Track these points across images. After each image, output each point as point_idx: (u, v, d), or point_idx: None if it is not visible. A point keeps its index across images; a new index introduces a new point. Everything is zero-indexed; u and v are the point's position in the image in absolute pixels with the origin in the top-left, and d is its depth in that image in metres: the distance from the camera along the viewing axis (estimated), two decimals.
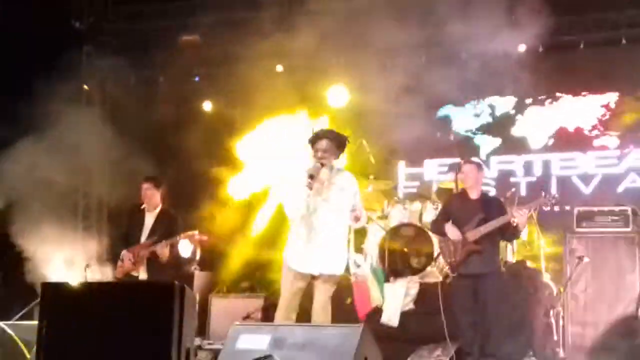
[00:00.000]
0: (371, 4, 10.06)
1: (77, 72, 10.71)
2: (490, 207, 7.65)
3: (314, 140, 6.66)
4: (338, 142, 6.67)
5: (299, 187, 6.49)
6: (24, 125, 9.31)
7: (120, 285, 6.99)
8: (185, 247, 8.98)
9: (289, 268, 6.67)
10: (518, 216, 7.40)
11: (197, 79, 12.04)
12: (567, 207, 9.13)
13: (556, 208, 7.63)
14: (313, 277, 6.63)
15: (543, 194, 7.70)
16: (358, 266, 9.32)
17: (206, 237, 8.17)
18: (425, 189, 10.51)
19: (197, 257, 10.02)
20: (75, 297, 4.91)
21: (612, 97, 10.46)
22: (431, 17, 9.61)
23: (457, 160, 9.20)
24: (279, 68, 11.27)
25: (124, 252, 7.98)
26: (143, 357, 4.61)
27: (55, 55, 9.89)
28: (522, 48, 10.25)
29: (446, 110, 11.18)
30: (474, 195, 7.73)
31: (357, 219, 6.55)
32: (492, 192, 9.93)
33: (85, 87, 11.17)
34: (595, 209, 8.52)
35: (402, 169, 11.31)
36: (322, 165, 6.54)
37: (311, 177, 6.41)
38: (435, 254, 8.79)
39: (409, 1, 9.90)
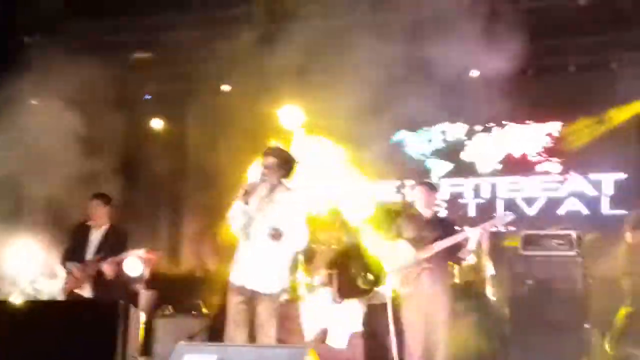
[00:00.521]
0: (325, 26, 10.11)
1: (25, 87, 10.57)
2: (442, 227, 7.70)
3: (262, 156, 6.70)
4: (283, 160, 6.68)
5: (237, 201, 6.54)
6: None
7: (64, 303, 6.90)
8: (134, 266, 8.89)
9: (230, 282, 6.67)
10: (472, 235, 7.44)
11: (148, 97, 11.99)
12: (514, 228, 9.28)
13: (502, 229, 7.75)
14: (254, 294, 6.60)
15: (495, 214, 7.81)
16: (307, 287, 9.31)
17: (153, 255, 8.11)
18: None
19: (146, 275, 9.92)
20: (19, 315, 4.85)
21: (555, 126, 11.01)
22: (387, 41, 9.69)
23: (409, 182, 9.37)
24: (226, 88, 11.29)
25: (69, 265, 7.86)
26: None
27: (2, 69, 9.75)
28: (475, 73, 10.45)
29: (400, 135, 11.47)
30: (426, 215, 7.79)
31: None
32: (443, 213, 10.15)
33: (33, 102, 11.01)
34: (541, 232, 8.67)
35: None
36: (263, 181, 6.57)
37: (245, 191, 6.45)
38: (383, 276, 8.81)
39: (363, 24, 9.97)
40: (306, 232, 6.70)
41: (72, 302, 7.23)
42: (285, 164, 6.70)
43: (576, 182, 10.81)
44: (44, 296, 8.15)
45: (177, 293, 10.56)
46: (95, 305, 5.75)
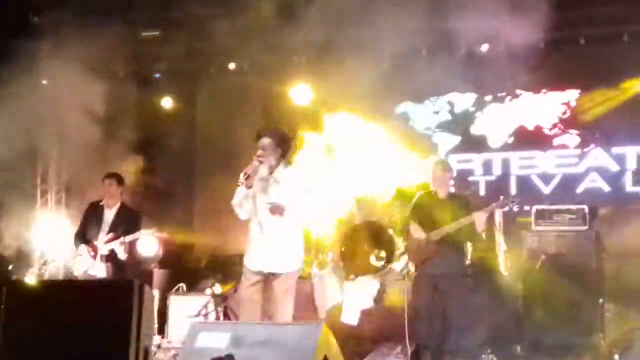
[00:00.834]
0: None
1: (35, 66, 10.57)
2: (457, 206, 7.70)
3: (256, 139, 6.66)
4: (279, 140, 6.66)
5: (240, 187, 6.53)
6: None
7: (79, 283, 6.93)
8: (149, 245, 8.92)
9: (245, 266, 6.70)
10: (478, 218, 7.44)
11: (158, 75, 11.96)
12: (527, 207, 9.19)
13: (515, 207, 7.63)
14: (270, 274, 6.62)
15: (502, 197, 7.75)
16: (319, 264, 9.34)
17: (166, 234, 8.14)
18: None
19: (160, 254, 9.96)
20: (34, 296, 4.87)
21: (572, 95, 10.45)
22: (392, 14, 9.62)
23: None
24: (232, 66, 11.21)
25: (82, 247, 7.90)
26: (101, 355, 4.58)
27: (13, 49, 9.75)
28: (484, 48, 10.28)
29: (404, 107, 11.16)
30: (441, 195, 7.78)
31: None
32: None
33: (44, 82, 11.02)
34: (553, 207, 8.61)
35: None
36: (260, 162, 6.53)
37: (246, 176, 6.43)
38: (396, 253, 8.84)
39: None
40: (310, 206, 6.71)
41: (86, 281, 7.27)
42: (281, 143, 6.69)
43: (596, 156, 10.28)
44: (73, 274, 8.18)
45: (191, 272, 10.61)
46: (109, 285, 5.77)
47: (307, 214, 6.75)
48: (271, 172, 6.59)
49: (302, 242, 6.78)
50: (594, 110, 10.14)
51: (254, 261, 6.62)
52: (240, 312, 6.79)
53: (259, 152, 6.56)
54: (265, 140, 6.60)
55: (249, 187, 6.47)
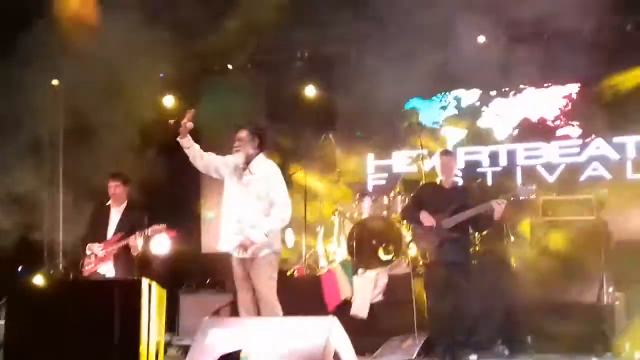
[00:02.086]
0: None
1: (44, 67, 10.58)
2: (464, 196, 7.72)
3: (234, 132, 6.89)
4: (254, 129, 6.86)
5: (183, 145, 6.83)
6: None
7: (89, 283, 6.96)
8: (161, 243, 8.95)
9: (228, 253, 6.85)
10: (497, 207, 7.44)
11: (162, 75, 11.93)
12: (533, 197, 9.22)
13: (533, 196, 7.68)
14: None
15: (521, 184, 7.77)
16: (327, 259, 9.35)
17: (174, 232, 8.15)
18: (394, 180, 10.56)
19: (169, 252, 9.99)
20: (43, 295, 4.89)
21: (573, 88, 10.63)
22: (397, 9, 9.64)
23: (422, 151, 9.30)
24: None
25: (90, 246, 7.92)
26: (113, 353, 4.61)
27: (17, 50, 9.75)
28: (481, 39, 10.33)
29: (413, 103, 11.30)
30: (447, 184, 7.80)
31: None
32: (460, 182, 10.00)
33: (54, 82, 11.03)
34: (560, 197, 8.62)
35: (371, 161, 11.40)
36: (237, 151, 6.78)
37: (176, 122, 6.73)
38: (403, 246, 8.85)
39: None
40: (289, 203, 6.79)
41: (96, 280, 7.29)
42: (255, 134, 6.85)
43: (597, 145, 10.40)
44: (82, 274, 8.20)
45: (201, 269, 10.65)
46: (119, 284, 5.79)
47: (286, 210, 6.79)
48: (248, 162, 6.74)
49: (278, 233, 6.87)
50: (596, 102, 10.20)
51: (229, 244, 6.75)
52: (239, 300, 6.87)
53: (236, 143, 6.80)
54: (241, 133, 6.81)
55: (183, 137, 6.71)
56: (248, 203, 6.68)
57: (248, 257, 6.65)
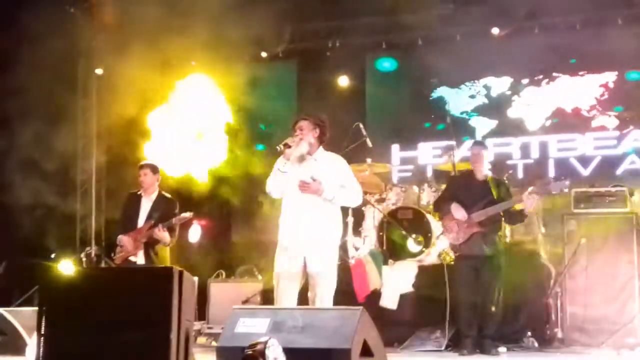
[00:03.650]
0: None
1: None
2: (496, 189, 7.68)
3: (293, 125, 6.69)
4: (316, 120, 6.66)
5: (278, 163, 6.53)
6: None
7: (119, 270, 7.02)
8: (193, 232, 8.99)
9: (280, 248, 6.62)
10: (529, 200, 7.40)
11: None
12: (566, 190, 9.12)
13: (565, 190, 7.58)
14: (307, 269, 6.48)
15: (553, 178, 7.71)
16: (357, 249, 9.34)
17: (203, 221, 8.19)
18: (420, 172, 10.52)
19: (201, 241, 10.04)
20: (74, 283, 4.93)
21: (610, 77, 10.37)
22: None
23: (451, 142, 9.22)
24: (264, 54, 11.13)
25: (121, 237, 7.99)
26: (143, 341, 4.63)
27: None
28: (495, 31, 10.19)
29: (440, 92, 11.14)
30: (480, 176, 7.76)
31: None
32: (491, 174, 9.90)
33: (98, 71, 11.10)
34: (593, 190, 8.54)
35: (396, 152, 11.33)
36: (300, 139, 6.53)
37: (286, 145, 6.45)
38: (433, 237, 8.82)
39: None
40: (360, 189, 6.66)
41: (127, 268, 7.35)
42: (317, 123, 6.66)
43: (635, 137, 10.15)
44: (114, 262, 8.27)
45: (231, 258, 10.69)
46: (149, 272, 5.83)
47: (357, 195, 6.67)
48: (310, 153, 6.58)
49: (340, 223, 6.69)
50: (635, 91, 10.00)
51: (287, 240, 6.50)
52: (275, 297, 6.69)
53: (297, 131, 6.59)
54: (303, 122, 6.62)
55: (287, 159, 6.46)
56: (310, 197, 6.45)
57: (313, 272, 6.42)
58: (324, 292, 6.42)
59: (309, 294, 6.51)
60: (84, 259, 10.54)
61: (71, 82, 11.05)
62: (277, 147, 6.49)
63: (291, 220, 6.54)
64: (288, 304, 6.33)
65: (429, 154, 11.10)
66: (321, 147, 6.67)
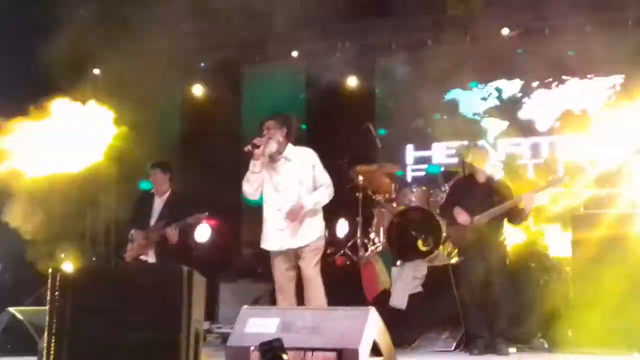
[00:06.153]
0: None
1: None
2: (497, 190, 7.68)
3: (260, 126, 6.88)
4: (282, 119, 6.89)
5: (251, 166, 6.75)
6: None
7: (129, 269, 7.03)
8: (201, 232, 9.01)
9: (269, 251, 6.91)
10: (525, 200, 7.41)
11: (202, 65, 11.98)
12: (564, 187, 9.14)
13: (552, 188, 7.63)
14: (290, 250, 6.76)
15: (551, 176, 7.71)
16: (366, 249, 9.34)
17: (215, 221, 8.22)
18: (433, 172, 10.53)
19: (211, 241, 10.06)
20: (84, 282, 4.94)
21: (617, 80, 10.48)
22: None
23: (464, 143, 9.24)
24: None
25: (133, 233, 8.01)
26: (152, 340, 4.64)
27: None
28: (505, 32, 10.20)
29: (453, 94, 11.23)
30: (481, 178, 7.75)
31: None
32: (500, 174, 9.93)
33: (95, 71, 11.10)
34: (602, 190, 8.51)
35: (410, 152, 11.37)
36: (269, 138, 6.78)
37: (254, 146, 6.65)
38: (442, 237, 8.81)
39: None
40: (331, 182, 6.84)
41: (137, 267, 7.37)
42: (283, 122, 6.89)
43: None
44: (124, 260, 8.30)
45: (241, 258, 10.70)
46: (159, 271, 5.84)
47: (321, 196, 6.85)
48: (280, 152, 6.76)
49: (321, 219, 6.91)
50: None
51: (274, 240, 6.78)
52: (278, 300, 6.91)
53: (264, 132, 6.79)
54: (269, 122, 6.84)
55: (257, 159, 6.67)
56: (290, 189, 6.72)
57: (295, 248, 6.69)
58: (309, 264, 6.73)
59: (306, 294, 6.64)
60: (93, 258, 10.57)
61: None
62: (245, 148, 6.64)
63: (271, 224, 6.84)
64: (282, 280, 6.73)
65: (443, 153, 11.14)
66: (289, 144, 6.85)
